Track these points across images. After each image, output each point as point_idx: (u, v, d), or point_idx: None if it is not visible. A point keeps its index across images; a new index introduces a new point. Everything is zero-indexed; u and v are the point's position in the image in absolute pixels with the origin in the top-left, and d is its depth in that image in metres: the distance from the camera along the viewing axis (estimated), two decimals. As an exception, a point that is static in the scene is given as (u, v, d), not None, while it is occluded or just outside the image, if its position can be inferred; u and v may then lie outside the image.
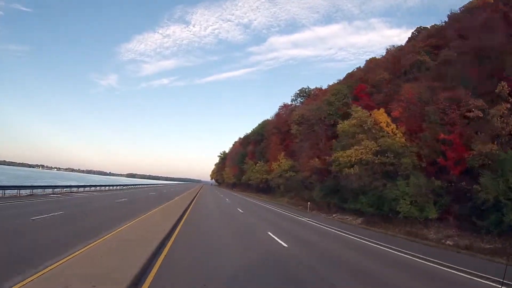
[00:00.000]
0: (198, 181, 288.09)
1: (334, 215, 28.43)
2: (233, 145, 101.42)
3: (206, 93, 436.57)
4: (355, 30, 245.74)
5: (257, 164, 54.22)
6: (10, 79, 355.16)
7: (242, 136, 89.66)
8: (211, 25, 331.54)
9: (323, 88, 54.65)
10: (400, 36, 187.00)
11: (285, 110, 61.65)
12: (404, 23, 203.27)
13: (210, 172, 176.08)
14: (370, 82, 41.59)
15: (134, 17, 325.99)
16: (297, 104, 59.03)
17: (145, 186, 74.90)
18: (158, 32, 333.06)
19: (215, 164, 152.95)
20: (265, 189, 54.17)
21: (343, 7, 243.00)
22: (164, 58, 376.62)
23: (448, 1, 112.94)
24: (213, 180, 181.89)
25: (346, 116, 40.02)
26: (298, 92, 58.93)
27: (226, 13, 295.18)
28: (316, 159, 36.05)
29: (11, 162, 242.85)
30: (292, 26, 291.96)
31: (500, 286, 6.96)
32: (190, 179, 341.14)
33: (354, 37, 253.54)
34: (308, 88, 58.27)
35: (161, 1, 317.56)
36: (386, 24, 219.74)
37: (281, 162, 46.68)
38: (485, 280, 8.90)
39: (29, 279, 5.26)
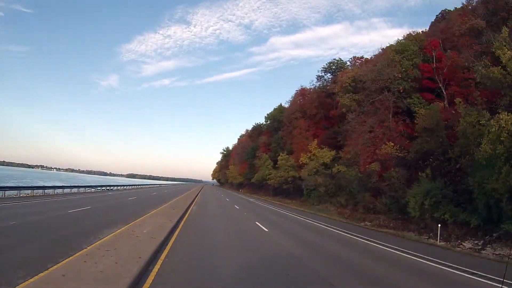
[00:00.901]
0: (199, 181, 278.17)
1: (489, 248, 13.72)
2: (239, 138, 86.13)
3: (207, 93, 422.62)
4: (357, 30, 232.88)
5: (280, 157, 38.94)
6: (10, 80, 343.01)
7: (250, 128, 74.57)
8: (212, 26, 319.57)
9: (365, 57, 40.18)
10: (401, 35, 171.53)
11: (305, 94, 47.05)
12: (405, 22, 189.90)
13: (211, 172, 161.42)
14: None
15: (135, 17, 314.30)
16: (317, 86, 44.59)
17: (133, 187, 60.30)
18: (159, 33, 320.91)
19: (217, 163, 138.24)
20: (288, 191, 39.15)
21: (344, 7, 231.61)
22: (165, 59, 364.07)
23: (449, 0, 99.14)
24: (214, 180, 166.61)
25: (419, 81, 26.18)
26: (325, 66, 44.27)
27: (227, 13, 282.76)
28: (391, 143, 21.61)
29: (10, 162, 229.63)
30: (293, 26, 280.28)
31: (500, 286, 6.23)
32: (190, 179, 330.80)
33: (355, 37, 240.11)
34: (340, 60, 43.66)
35: (161, 1, 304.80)
36: (388, 24, 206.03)
37: (314, 153, 32.16)
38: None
39: None
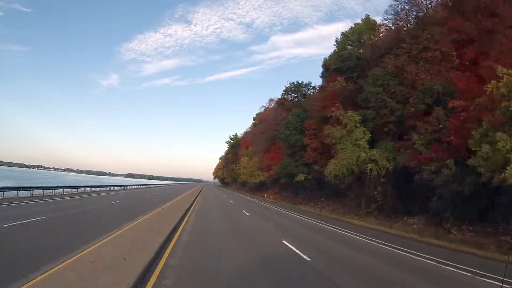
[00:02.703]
0: (199, 181, 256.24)
1: None
2: (257, 116, 56.48)
3: (208, 92, 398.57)
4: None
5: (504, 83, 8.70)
6: (10, 79, 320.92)
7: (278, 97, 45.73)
8: (213, 24, 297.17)
9: None
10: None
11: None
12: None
13: (212, 171, 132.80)
14: None
15: (135, 16, 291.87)
16: None
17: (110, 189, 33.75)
18: (159, 32, 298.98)
19: (220, 158, 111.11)
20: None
21: (346, 5, 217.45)
22: (165, 58, 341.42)
23: None
24: (216, 180, 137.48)
25: None
26: None
27: (228, 12, 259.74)
28: None
29: (7, 162, 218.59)
30: (294, 25, 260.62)
31: (500, 284, 5.87)
32: (191, 178, 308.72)
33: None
34: None
35: (162, 0, 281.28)
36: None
37: None
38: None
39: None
